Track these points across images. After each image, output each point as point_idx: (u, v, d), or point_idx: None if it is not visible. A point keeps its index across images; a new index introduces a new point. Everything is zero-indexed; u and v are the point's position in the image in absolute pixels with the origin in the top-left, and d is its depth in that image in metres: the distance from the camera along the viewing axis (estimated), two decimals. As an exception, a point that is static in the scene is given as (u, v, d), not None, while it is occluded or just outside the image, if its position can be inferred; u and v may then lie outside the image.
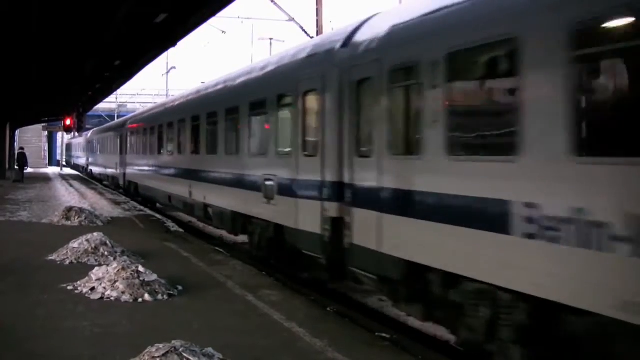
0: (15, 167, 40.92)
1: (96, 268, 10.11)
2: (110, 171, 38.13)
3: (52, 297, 9.25)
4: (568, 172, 5.67)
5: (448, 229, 7.17)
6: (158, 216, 22.28)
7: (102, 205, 24.89)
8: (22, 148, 43.94)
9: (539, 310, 6.14)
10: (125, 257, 11.59)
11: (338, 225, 9.67)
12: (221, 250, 14.85)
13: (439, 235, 7.32)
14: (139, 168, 27.86)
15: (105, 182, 41.88)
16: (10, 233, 15.96)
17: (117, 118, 59.67)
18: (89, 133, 56.52)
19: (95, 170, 48.30)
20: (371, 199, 8.68)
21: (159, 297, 9.25)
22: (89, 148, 54.76)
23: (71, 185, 37.96)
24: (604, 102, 5.67)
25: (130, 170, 30.30)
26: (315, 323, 8.23)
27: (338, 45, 10.29)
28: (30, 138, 71.35)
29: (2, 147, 43.35)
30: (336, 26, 25.48)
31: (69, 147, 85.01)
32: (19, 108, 38.46)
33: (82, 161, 64.48)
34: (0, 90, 27.71)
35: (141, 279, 9.43)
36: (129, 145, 30.99)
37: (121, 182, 32.72)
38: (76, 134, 63.25)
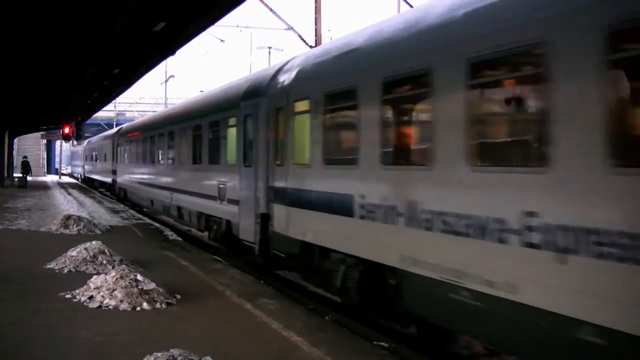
0: (19, 174, 44.93)
1: (94, 276, 10.10)
2: (200, 203, 17.62)
3: (51, 305, 9.24)
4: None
5: None
6: (156, 225, 22.26)
7: (100, 213, 24.87)
8: (25, 157, 48.15)
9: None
10: (124, 266, 11.61)
11: None
12: (219, 259, 14.83)
13: None
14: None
15: (146, 209, 27.42)
16: (8, 242, 15.92)
17: (116, 126, 55.42)
18: (117, 130, 38.46)
19: (137, 189, 28.27)
20: None
21: (158, 305, 9.24)
22: (117, 154, 34.89)
23: (69, 194, 37.92)
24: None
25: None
26: (314, 332, 8.23)
27: None
28: (29, 146, 71.26)
29: (0, 155, 43.53)
30: (335, 35, 25.54)
31: (74, 155, 75.15)
32: (17, 116, 38.49)
33: (97, 172, 46.04)
34: (-1, 98, 27.76)
35: (140, 287, 9.43)
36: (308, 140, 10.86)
37: (249, 237, 13.43)
38: (75, 142, 60.89)
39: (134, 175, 29.30)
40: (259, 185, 12.90)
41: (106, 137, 42.53)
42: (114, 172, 35.75)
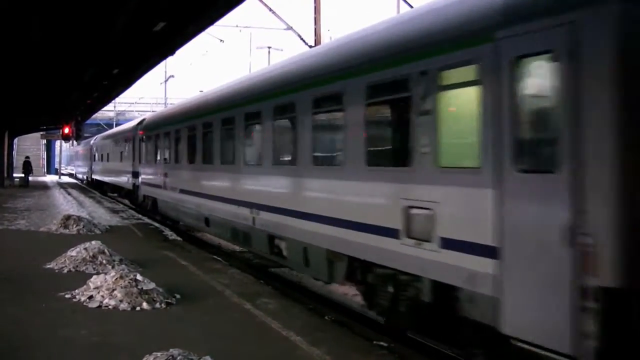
0: (20, 173, 46.51)
1: (94, 276, 10.11)
2: (336, 238, 9.69)
3: (50, 305, 9.25)
4: None
5: None
6: (156, 224, 22.25)
7: (100, 213, 24.87)
8: (27, 157, 50.09)
9: None
10: (123, 266, 11.62)
11: None
12: (219, 258, 14.84)
13: None
14: None
15: (184, 226, 20.99)
16: (8, 242, 15.94)
17: (116, 126, 54.73)
18: (140, 121, 28.38)
19: (179, 201, 19.74)
20: None
21: (157, 305, 9.25)
22: (141, 152, 26.75)
23: (69, 194, 37.92)
24: None
25: None
26: (313, 331, 8.24)
27: None
28: (29, 146, 71.36)
29: (0, 155, 43.59)
30: (334, 35, 25.50)
31: (77, 154, 69.64)
32: (17, 116, 38.51)
33: (109, 174, 38.02)
34: (-1, 98, 27.77)
35: (139, 287, 9.44)
36: None
37: (548, 339, 5.88)
38: (74, 141, 60.16)
39: (172, 180, 20.66)
40: (590, 218, 5.62)
41: (123, 132, 33.17)
42: (135, 175, 27.63)
